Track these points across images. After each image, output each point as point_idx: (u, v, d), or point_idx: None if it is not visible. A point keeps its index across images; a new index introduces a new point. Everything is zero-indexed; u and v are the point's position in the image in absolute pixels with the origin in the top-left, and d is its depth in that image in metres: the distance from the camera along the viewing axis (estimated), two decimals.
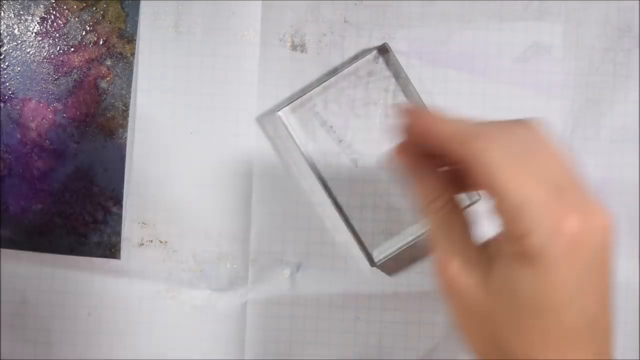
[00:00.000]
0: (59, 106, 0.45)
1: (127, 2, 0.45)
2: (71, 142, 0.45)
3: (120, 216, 0.45)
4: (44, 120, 0.45)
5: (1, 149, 0.45)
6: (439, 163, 0.32)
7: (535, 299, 0.27)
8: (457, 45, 0.45)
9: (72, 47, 0.45)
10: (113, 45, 0.45)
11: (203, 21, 0.45)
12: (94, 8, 0.45)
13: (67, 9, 0.45)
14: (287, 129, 0.44)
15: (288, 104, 0.44)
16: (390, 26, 0.45)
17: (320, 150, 0.45)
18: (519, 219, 0.27)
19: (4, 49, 0.45)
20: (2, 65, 0.44)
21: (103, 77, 0.45)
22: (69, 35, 0.45)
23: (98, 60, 0.45)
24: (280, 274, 0.45)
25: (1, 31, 0.44)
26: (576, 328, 0.27)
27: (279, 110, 0.44)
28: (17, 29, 0.45)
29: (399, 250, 0.44)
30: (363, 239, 0.45)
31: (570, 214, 0.26)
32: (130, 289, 0.45)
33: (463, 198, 0.45)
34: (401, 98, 0.45)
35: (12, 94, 0.45)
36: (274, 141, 0.45)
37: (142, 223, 0.45)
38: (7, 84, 0.44)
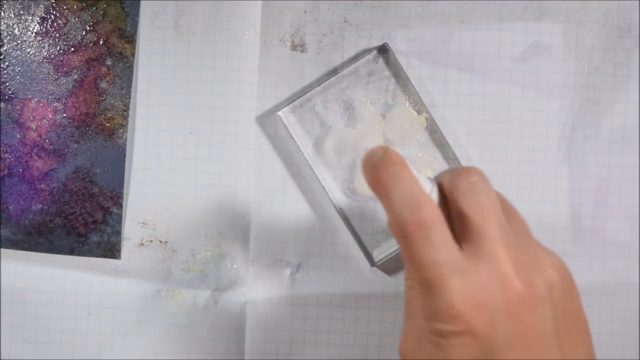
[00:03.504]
0: (59, 106, 0.45)
1: (127, 2, 0.45)
2: (71, 142, 0.45)
3: (120, 216, 0.45)
4: (44, 120, 0.45)
5: (1, 149, 0.45)
6: None
7: None
8: (457, 45, 0.45)
9: (72, 47, 0.45)
10: (113, 45, 0.45)
11: (203, 21, 0.45)
12: (94, 8, 0.45)
13: (67, 9, 0.45)
14: (287, 129, 0.44)
15: (288, 104, 0.44)
16: (390, 26, 0.45)
17: (321, 150, 0.45)
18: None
19: (4, 49, 0.45)
20: (2, 65, 0.44)
21: (103, 77, 0.45)
22: (69, 35, 0.45)
23: (98, 60, 0.45)
24: (280, 274, 0.45)
25: (1, 31, 0.44)
26: None
27: (279, 110, 0.44)
28: (17, 29, 0.45)
29: (399, 250, 0.44)
30: (363, 239, 0.45)
31: None
32: (130, 289, 0.45)
33: None
34: (401, 98, 0.45)
35: (12, 94, 0.45)
36: (274, 141, 0.45)
37: (142, 223, 0.45)
38: (7, 84, 0.44)
